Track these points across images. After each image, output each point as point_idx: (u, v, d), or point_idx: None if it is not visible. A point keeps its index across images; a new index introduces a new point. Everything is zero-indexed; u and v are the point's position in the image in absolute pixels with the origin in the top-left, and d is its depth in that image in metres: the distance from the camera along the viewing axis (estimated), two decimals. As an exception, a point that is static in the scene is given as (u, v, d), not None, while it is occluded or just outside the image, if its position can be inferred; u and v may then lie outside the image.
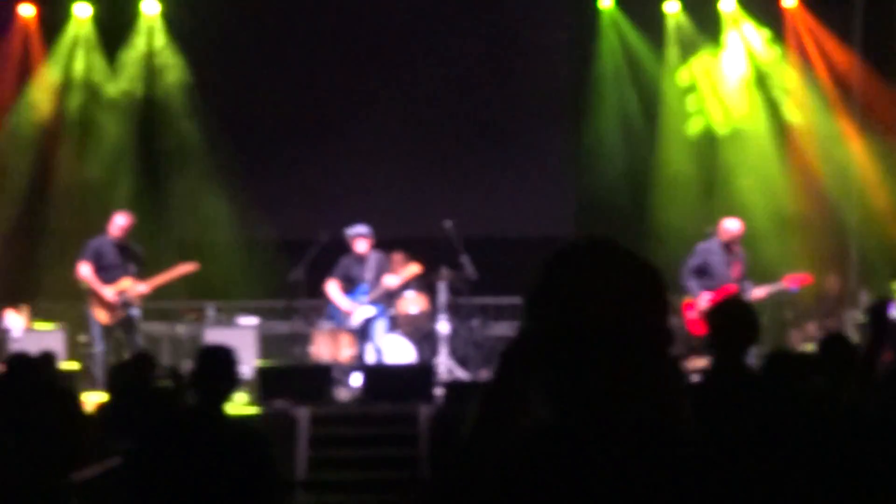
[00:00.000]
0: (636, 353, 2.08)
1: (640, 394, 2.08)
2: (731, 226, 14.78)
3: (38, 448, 8.15)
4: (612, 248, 2.23)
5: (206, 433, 5.79)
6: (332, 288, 15.27)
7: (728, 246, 14.62)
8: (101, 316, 14.36)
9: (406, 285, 15.84)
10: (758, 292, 14.49)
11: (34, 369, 8.97)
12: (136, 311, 14.63)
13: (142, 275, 14.56)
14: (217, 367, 5.97)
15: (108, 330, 14.45)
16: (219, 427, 5.86)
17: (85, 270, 14.30)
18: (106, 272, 14.37)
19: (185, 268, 14.85)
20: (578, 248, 2.22)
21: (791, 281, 14.81)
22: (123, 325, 14.46)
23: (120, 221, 14.48)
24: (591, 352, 2.07)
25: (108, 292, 14.26)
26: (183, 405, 6.02)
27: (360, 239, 15.17)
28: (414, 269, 15.29)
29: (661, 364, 2.11)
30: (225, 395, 5.94)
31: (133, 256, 14.57)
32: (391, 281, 15.03)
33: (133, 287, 14.35)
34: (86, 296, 14.56)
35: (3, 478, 6.77)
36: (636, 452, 2.03)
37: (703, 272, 14.57)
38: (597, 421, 2.06)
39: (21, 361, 8.88)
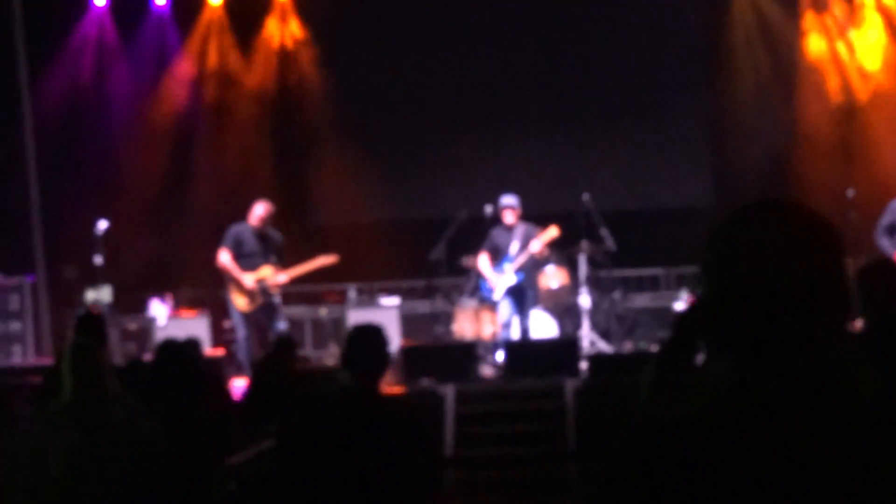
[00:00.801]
0: (822, 309, 2.07)
1: (827, 349, 2.07)
2: None
3: (193, 434, 8.28)
4: (789, 207, 2.21)
5: (362, 412, 5.82)
6: (482, 261, 15.15)
7: None
8: (240, 303, 14.46)
9: (546, 259, 15.76)
10: None
11: (183, 355, 9.08)
12: (277, 298, 14.71)
13: (282, 262, 14.63)
14: (369, 347, 6.00)
15: (248, 316, 14.54)
16: (374, 405, 5.90)
17: (224, 258, 14.39)
18: (246, 260, 14.43)
19: (326, 259, 14.85)
20: (757, 209, 2.21)
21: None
22: (265, 310, 14.55)
23: (259, 210, 14.51)
24: (778, 309, 2.06)
25: (248, 279, 14.35)
26: (337, 385, 6.04)
27: (508, 210, 15.06)
28: (553, 231, 15.11)
29: (843, 319, 2.11)
30: (378, 373, 5.97)
31: (273, 245, 14.62)
32: (535, 246, 14.87)
33: (273, 276, 14.43)
34: (226, 283, 14.68)
35: (161, 464, 6.89)
36: (826, 406, 2.01)
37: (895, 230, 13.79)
38: (786, 378, 2.05)
39: (171, 348, 9.00)
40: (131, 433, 6.75)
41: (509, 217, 15.08)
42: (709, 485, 2.02)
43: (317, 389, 10.47)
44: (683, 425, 2.07)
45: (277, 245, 14.63)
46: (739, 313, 2.10)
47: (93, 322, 9.36)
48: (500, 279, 15.01)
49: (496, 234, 15.23)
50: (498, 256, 15.12)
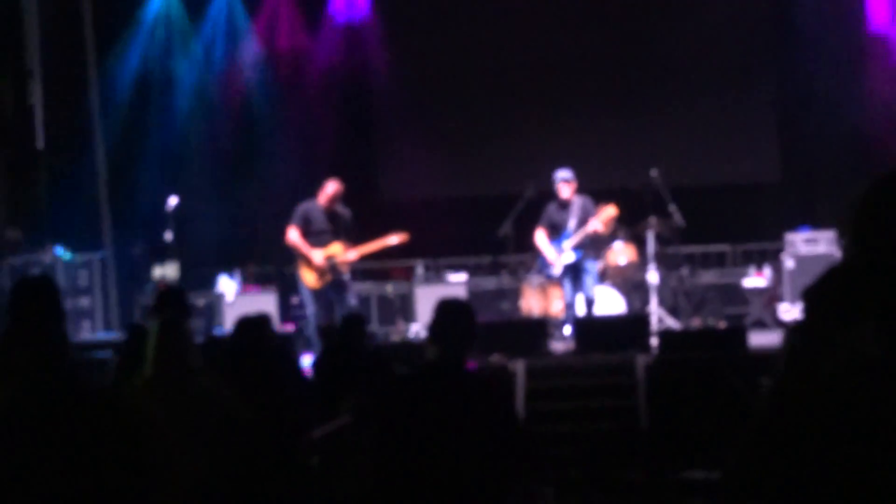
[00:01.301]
0: None
1: None
2: None
3: (274, 409, 8.32)
4: None
5: (449, 386, 5.84)
6: (540, 237, 15.05)
7: None
8: (309, 279, 14.49)
9: (614, 236, 15.71)
10: None
11: (261, 331, 9.12)
12: (346, 275, 14.73)
13: (352, 240, 14.64)
14: (457, 321, 6.00)
15: (317, 293, 14.57)
16: (462, 379, 5.91)
17: (293, 235, 14.41)
18: (314, 237, 14.44)
19: (395, 238, 14.84)
20: None
21: None
22: (334, 287, 14.57)
23: (329, 189, 14.52)
24: None
25: (317, 256, 14.38)
26: (424, 359, 6.05)
27: (564, 184, 14.93)
28: (610, 210, 15.01)
29: None
30: (465, 347, 5.97)
31: (342, 222, 14.62)
32: (594, 225, 14.75)
33: (342, 253, 14.45)
34: (296, 259, 14.72)
35: (245, 439, 6.93)
36: None
37: None
38: None
39: (248, 324, 9.03)
40: (214, 408, 6.79)
41: (565, 191, 14.91)
42: (843, 457, 2.00)
43: (390, 365, 10.53)
44: (824, 395, 2.04)
45: (346, 223, 14.61)
46: (887, 279, 2.06)
47: (175, 296, 9.39)
48: (558, 256, 14.88)
49: (552, 210, 15.08)
50: (555, 232, 14.97)
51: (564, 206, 14.92)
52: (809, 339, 2.22)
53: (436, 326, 6.02)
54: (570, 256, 14.79)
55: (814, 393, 2.10)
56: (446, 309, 6.08)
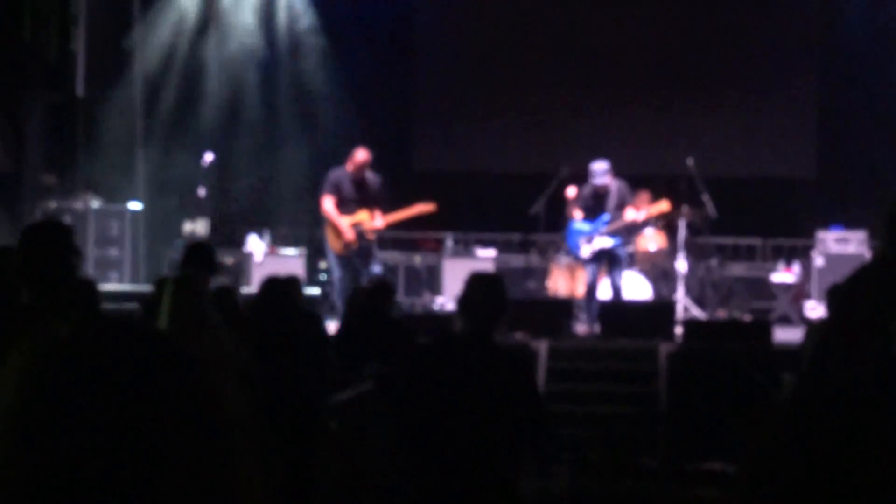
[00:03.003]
0: None
1: None
2: None
3: (296, 370, 8.35)
4: None
5: (477, 357, 5.85)
6: (577, 215, 14.90)
7: None
8: (336, 245, 14.52)
9: (646, 222, 15.66)
10: None
11: (290, 293, 9.13)
12: (373, 243, 14.72)
13: (381, 207, 14.62)
14: (487, 293, 6.00)
15: (344, 259, 14.58)
16: (489, 351, 5.92)
17: (328, 204, 14.40)
18: (343, 205, 14.44)
19: (423, 207, 14.78)
20: None
21: None
22: (360, 254, 14.57)
23: (359, 157, 14.50)
24: None
25: (345, 223, 14.40)
26: (452, 330, 6.06)
27: (601, 177, 14.68)
28: (663, 206, 14.89)
29: None
30: (494, 320, 5.97)
31: (371, 190, 14.60)
32: (632, 214, 14.60)
33: (369, 220, 14.45)
34: (323, 224, 14.74)
35: (266, 399, 6.96)
36: None
37: None
38: None
39: (276, 284, 9.04)
40: (227, 364, 6.80)
41: (601, 181, 14.68)
42: (868, 456, 1.99)
43: (413, 336, 10.54)
44: (852, 392, 2.03)
45: (375, 191, 14.59)
46: None
47: (204, 252, 9.40)
48: (594, 239, 14.70)
49: (587, 195, 14.85)
50: (592, 215, 14.82)
51: (600, 192, 14.69)
52: (838, 336, 2.21)
53: (466, 299, 6.00)
54: (606, 241, 14.54)
55: (841, 390, 2.10)
56: (477, 282, 6.07)
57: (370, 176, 14.58)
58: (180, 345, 1.53)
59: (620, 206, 14.52)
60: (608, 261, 14.70)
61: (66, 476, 1.40)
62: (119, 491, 1.41)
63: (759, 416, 2.09)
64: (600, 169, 14.48)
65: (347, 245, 14.40)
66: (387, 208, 14.63)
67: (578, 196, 14.93)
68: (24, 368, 1.45)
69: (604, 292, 14.83)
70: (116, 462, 1.40)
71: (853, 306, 2.18)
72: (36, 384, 1.43)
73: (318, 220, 15.02)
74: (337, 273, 14.66)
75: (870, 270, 2.15)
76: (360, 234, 14.42)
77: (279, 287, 9.01)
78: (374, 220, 14.45)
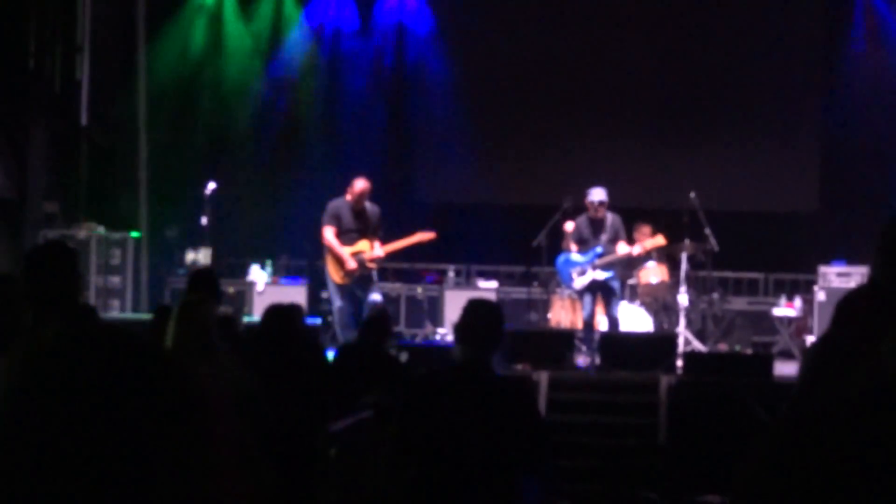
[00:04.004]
0: None
1: None
2: None
3: (296, 398, 8.34)
4: None
5: (476, 385, 5.84)
6: (572, 249, 14.95)
7: None
8: (336, 276, 14.56)
9: (647, 255, 15.66)
10: None
11: (292, 321, 9.13)
12: (373, 272, 14.74)
13: (380, 236, 14.66)
14: (484, 320, 6.00)
15: (344, 288, 14.59)
16: (488, 379, 5.91)
17: (329, 235, 14.45)
18: (344, 235, 14.50)
19: (423, 236, 14.85)
20: None
21: None
22: (359, 283, 14.61)
23: (358, 186, 14.53)
24: None
25: (345, 253, 14.43)
26: (450, 359, 6.05)
27: (597, 202, 14.76)
28: (659, 240, 14.95)
29: None
30: (491, 348, 5.96)
31: (370, 220, 14.65)
32: (623, 249, 14.67)
33: (369, 250, 14.48)
34: (323, 254, 14.79)
35: (265, 426, 6.94)
36: None
37: None
38: None
39: (278, 312, 9.04)
40: (230, 389, 6.78)
41: (598, 210, 14.77)
42: (861, 475, 1.98)
43: (406, 369, 10.54)
44: (842, 412, 2.02)
45: (375, 220, 14.65)
46: None
47: (206, 277, 9.42)
48: (586, 271, 14.72)
49: (582, 225, 14.92)
50: (585, 247, 14.90)
51: (596, 223, 14.80)
52: (833, 354, 2.20)
53: (463, 325, 6.01)
54: (598, 274, 14.65)
55: (834, 409, 2.09)
56: (474, 308, 6.08)
57: (369, 206, 14.62)
58: (162, 351, 1.53)
59: (614, 240, 14.62)
60: (602, 293, 14.74)
61: (50, 471, 1.40)
62: (98, 488, 1.42)
63: (752, 440, 2.08)
64: (598, 198, 14.55)
65: (348, 274, 14.41)
66: (385, 237, 14.67)
67: (574, 229, 14.98)
68: (8, 369, 1.47)
69: (602, 325, 14.86)
70: (97, 461, 1.41)
71: (848, 324, 2.17)
72: (19, 382, 1.44)
73: (320, 250, 15.04)
74: (337, 303, 14.66)
75: (862, 293, 2.14)
76: (361, 264, 14.43)
77: (282, 315, 9.01)
78: (375, 250, 14.48)
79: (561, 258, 15.06)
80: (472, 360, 5.90)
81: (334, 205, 14.63)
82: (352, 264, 14.35)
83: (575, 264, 14.71)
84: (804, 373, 2.20)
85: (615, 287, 14.77)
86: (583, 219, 14.90)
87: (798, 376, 2.24)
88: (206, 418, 1.57)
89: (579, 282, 14.71)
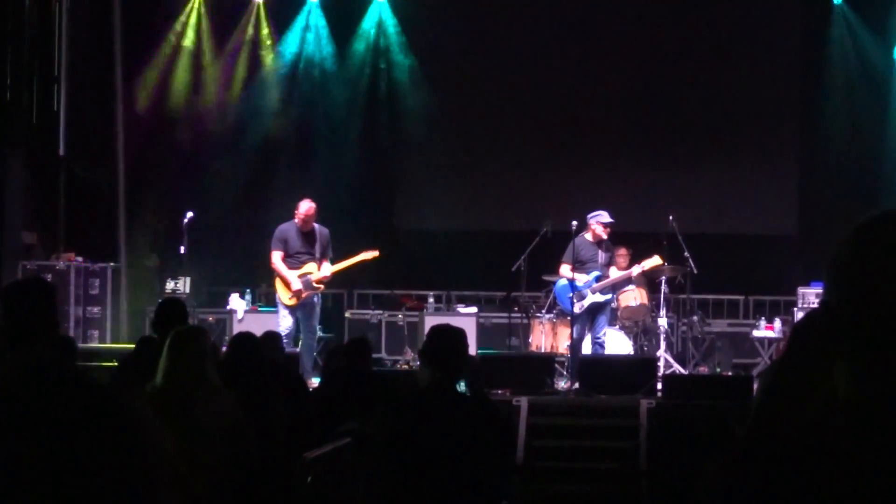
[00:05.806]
0: None
1: None
2: None
3: (270, 426, 8.31)
4: None
5: (443, 408, 5.87)
6: (566, 270, 14.83)
7: None
8: (283, 298, 14.76)
9: (628, 280, 15.67)
10: None
11: (259, 349, 9.09)
12: (317, 297, 14.89)
13: (328, 257, 14.82)
14: (449, 345, 6.08)
15: (293, 310, 14.82)
16: (455, 401, 5.95)
17: (276, 259, 14.70)
18: (292, 258, 14.73)
19: (367, 254, 15.05)
20: (892, 217, 2.11)
21: None
22: (304, 307, 14.76)
23: (303, 208, 14.70)
24: None
25: (292, 276, 14.58)
26: (418, 384, 6.09)
27: (602, 225, 14.81)
28: (657, 260, 14.97)
29: None
30: (457, 372, 6.05)
31: (319, 241, 14.80)
32: (615, 273, 14.81)
33: (317, 271, 14.65)
34: (272, 276, 14.94)
35: (240, 454, 6.90)
36: None
37: None
38: None
39: (245, 340, 9.01)
40: (222, 423, 6.71)
41: (602, 233, 14.84)
42: (815, 498, 1.97)
43: (394, 391, 10.51)
44: (797, 435, 2.02)
45: (324, 242, 14.83)
46: (867, 319, 2.04)
47: (175, 307, 9.35)
48: (586, 296, 14.74)
49: (582, 247, 14.98)
50: (583, 270, 14.93)
51: (595, 245, 14.84)
52: (787, 377, 2.19)
53: (427, 350, 6.12)
54: (598, 298, 14.74)
55: (787, 432, 2.08)
56: (438, 333, 6.19)
57: (318, 227, 14.81)
58: (108, 392, 1.55)
59: (608, 264, 14.73)
60: (598, 315, 14.78)
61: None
62: None
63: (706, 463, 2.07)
64: (605, 220, 14.67)
65: (295, 295, 14.57)
66: (335, 257, 14.85)
67: (568, 252, 14.94)
68: None
69: (587, 348, 14.90)
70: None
71: (801, 348, 2.16)
72: None
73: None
74: (286, 325, 14.76)
75: (815, 316, 2.13)
76: (307, 285, 14.59)
77: (247, 344, 8.97)
78: (322, 270, 14.61)
79: (559, 283, 15.05)
80: (438, 383, 5.97)
81: (282, 229, 14.91)
82: (297, 285, 14.50)
83: (574, 289, 14.72)
84: (759, 397, 2.19)
85: (608, 311, 14.95)
86: (582, 240, 14.92)
87: (754, 400, 2.23)
88: (146, 454, 1.58)
89: (579, 307, 14.78)
